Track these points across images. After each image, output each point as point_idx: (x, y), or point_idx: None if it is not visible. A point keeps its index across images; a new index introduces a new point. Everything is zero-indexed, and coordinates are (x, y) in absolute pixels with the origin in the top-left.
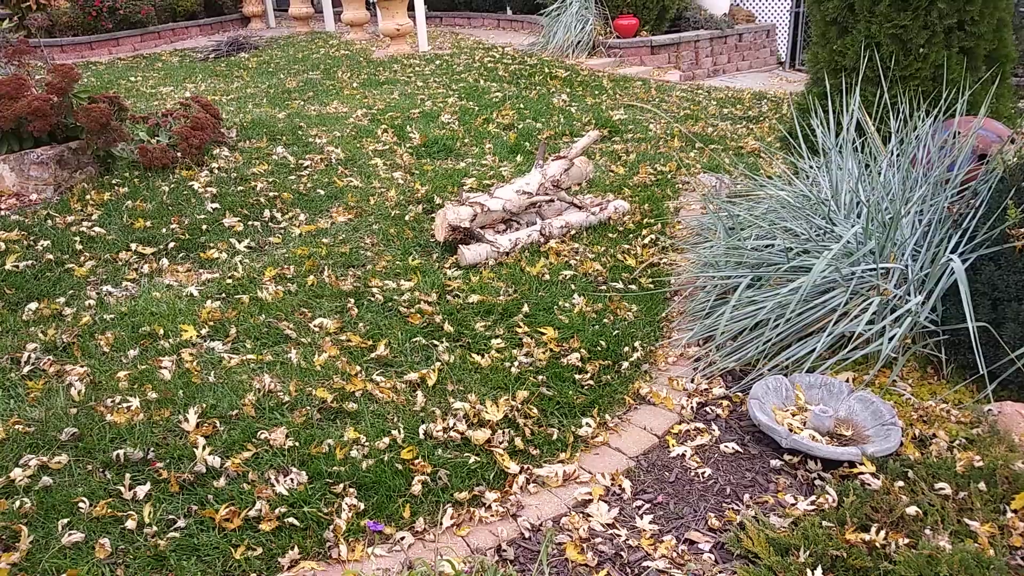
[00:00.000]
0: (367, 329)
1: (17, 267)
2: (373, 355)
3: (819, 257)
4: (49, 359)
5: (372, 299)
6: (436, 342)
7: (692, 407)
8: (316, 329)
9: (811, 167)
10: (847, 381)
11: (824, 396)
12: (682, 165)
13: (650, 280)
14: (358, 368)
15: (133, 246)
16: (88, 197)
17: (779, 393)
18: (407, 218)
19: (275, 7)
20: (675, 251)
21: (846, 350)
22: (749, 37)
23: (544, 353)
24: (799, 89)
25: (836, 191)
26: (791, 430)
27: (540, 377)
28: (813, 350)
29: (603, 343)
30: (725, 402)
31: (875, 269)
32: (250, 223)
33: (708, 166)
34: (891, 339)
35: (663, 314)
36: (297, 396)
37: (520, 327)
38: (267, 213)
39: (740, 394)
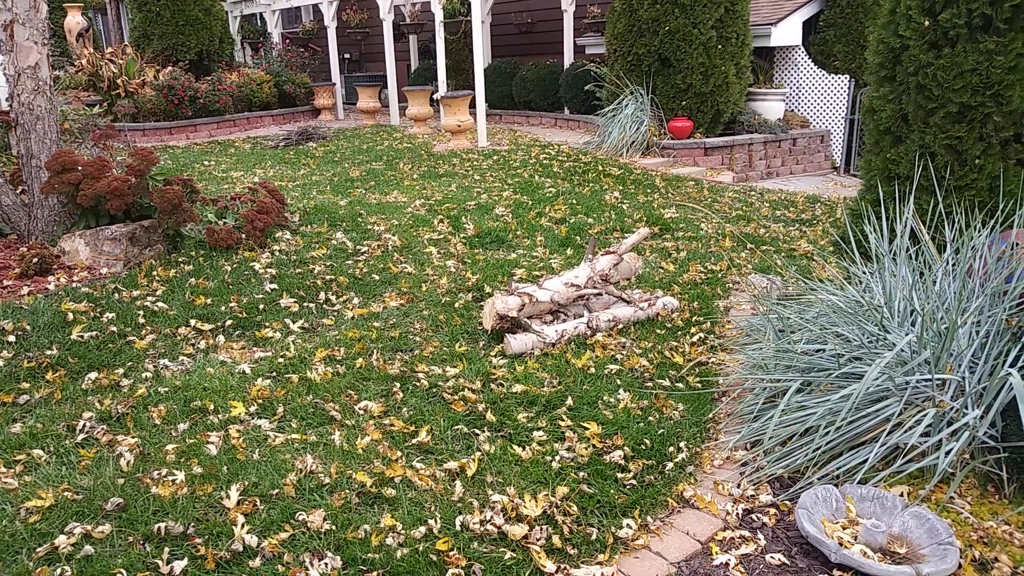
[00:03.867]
0: (410, 414)
1: (82, 337)
2: (415, 441)
3: (871, 364)
4: (103, 428)
5: (417, 384)
6: (478, 431)
7: (738, 513)
8: (361, 412)
9: (864, 273)
10: (901, 495)
11: (876, 510)
12: (733, 265)
13: (698, 379)
14: (399, 453)
15: (192, 322)
16: (155, 273)
17: (829, 504)
18: (457, 305)
19: (344, 100)
20: (724, 351)
21: (900, 462)
22: (803, 142)
23: (586, 449)
24: (853, 194)
25: (889, 298)
26: (841, 544)
27: (581, 473)
28: (865, 460)
29: (648, 441)
30: (772, 510)
31: (930, 380)
32: (305, 304)
33: (759, 267)
34: (948, 453)
35: (710, 415)
36: (337, 479)
37: (563, 420)
38: (322, 295)
39: (788, 502)
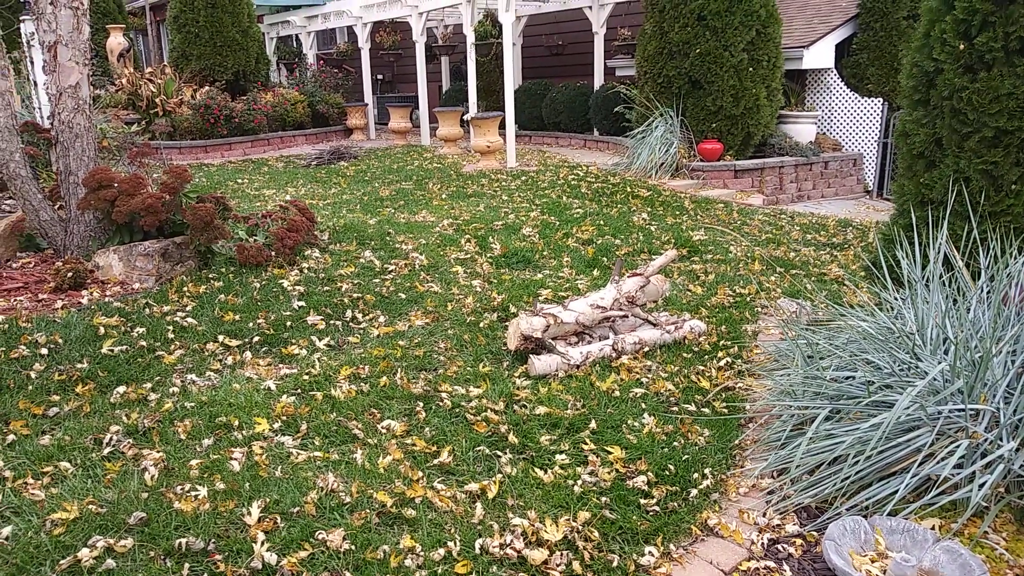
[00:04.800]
0: (432, 434)
1: (112, 351)
2: (436, 461)
3: (902, 393)
4: (129, 442)
5: (440, 404)
6: (500, 453)
7: (763, 543)
8: (383, 431)
9: (895, 299)
10: (932, 528)
11: (907, 543)
12: (762, 289)
13: (724, 404)
14: (420, 474)
15: (220, 338)
16: (185, 289)
17: (857, 536)
18: (481, 325)
19: (376, 120)
20: (751, 376)
21: (932, 494)
22: (835, 165)
23: (609, 473)
24: (885, 218)
25: (922, 325)
26: None
27: (604, 498)
28: (895, 492)
29: (672, 467)
30: (798, 540)
31: (963, 410)
32: (332, 322)
33: (789, 291)
34: (981, 486)
35: (736, 441)
36: (358, 498)
37: (586, 444)
38: (349, 313)
39: (815, 533)
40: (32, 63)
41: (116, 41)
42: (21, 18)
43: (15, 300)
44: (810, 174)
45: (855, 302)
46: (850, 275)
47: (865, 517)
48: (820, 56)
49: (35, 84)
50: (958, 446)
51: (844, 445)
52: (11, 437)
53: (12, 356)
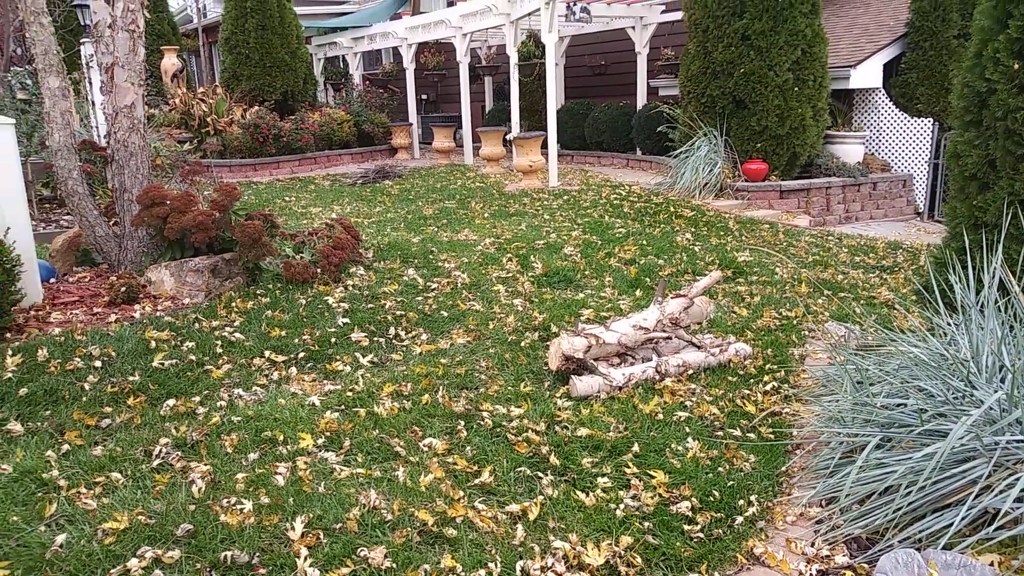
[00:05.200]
0: (474, 453)
1: (163, 365)
2: (477, 481)
3: (957, 422)
4: (178, 455)
5: (481, 423)
6: (541, 474)
7: (811, 574)
8: (425, 449)
9: (949, 324)
10: (991, 565)
11: None
12: (809, 312)
13: (770, 430)
14: (461, 493)
15: (267, 353)
16: (233, 304)
17: (911, 569)
18: (523, 344)
19: (420, 140)
20: (798, 401)
21: (990, 528)
22: (884, 186)
23: (652, 498)
24: (937, 241)
25: (976, 352)
26: None
27: (647, 523)
28: (950, 525)
29: (717, 493)
30: (848, 573)
31: (1022, 441)
32: (375, 339)
33: (836, 315)
34: None
35: (783, 468)
36: (400, 516)
37: (629, 467)
38: (392, 331)
39: (866, 565)
40: (91, 84)
41: (170, 62)
42: (82, 41)
43: (71, 313)
44: (858, 195)
45: (906, 327)
46: (900, 299)
47: (918, 550)
48: (868, 76)
49: (93, 104)
50: (1018, 479)
51: (896, 475)
52: (65, 447)
53: (68, 368)
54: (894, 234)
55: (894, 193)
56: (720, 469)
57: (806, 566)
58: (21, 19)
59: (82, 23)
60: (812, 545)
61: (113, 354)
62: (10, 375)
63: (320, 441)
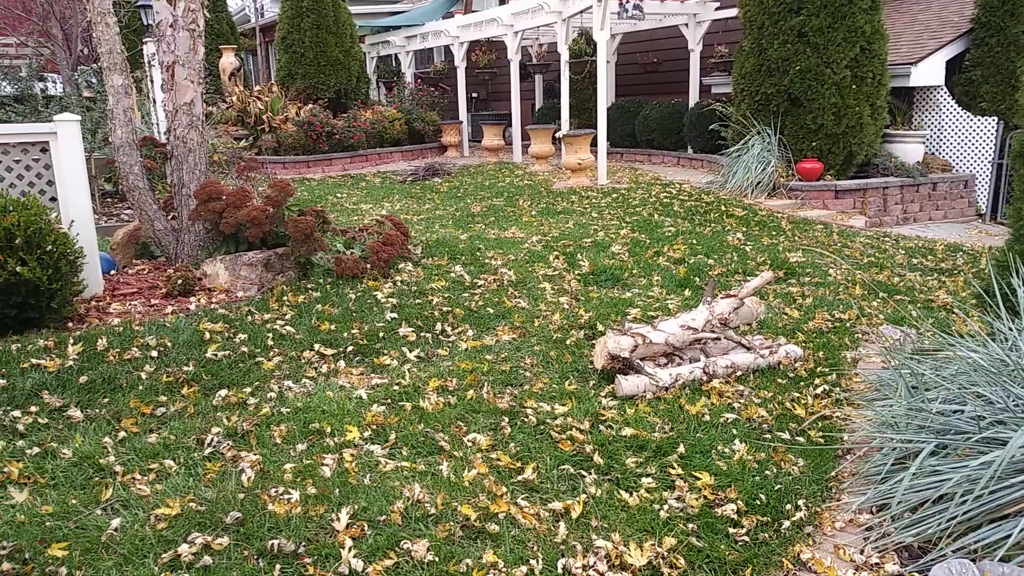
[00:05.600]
0: (517, 450)
1: (216, 356)
2: (520, 477)
3: (1017, 430)
4: (228, 444)
5: (525, 420)
6: (584, 472)
7: None
8: (469, 444)
9: (1010, 330)
10: None
11: None
12: (863, 314)
13: (820, 434)
14: (504, 489)
15: (316, 346)
16: (285, 298)
17: None
18: (568, 342)
19: (469, 137)
20: (850, 405)
21: None
22: (944, 187)
23: (697, 499)
24: (999, 243)
25: None
26: None
27: (691, 525)
28: (1008, 536)
29: (763, 497)
30: None
31: None
32: (422, 334)
33: (892, 318)
34: None
35: (832, 472)
36: (443, 510)
37: (673, 468)
38: (439, 326)
39: (917, 575)
40: (152, 82)
41: (228, 61)
42: (144, 40)
43: (130, 304)
44: (917, 195)
45: (965, 331)
46: (959, 303)
47: (973, 561)
48: (929, 73)
49: (153, 101)
50: None
51: (951, 483)
52: (122, 434)
53: (126, 357)
54: (954, 236)
55: (955, 194)
56: (767, 472)
57: (855, 573)
58: (88, 20)
59: (144, 23)
60: (861, 552)
61: (169, 344)
62: (71, 363)
63: (366, 434)
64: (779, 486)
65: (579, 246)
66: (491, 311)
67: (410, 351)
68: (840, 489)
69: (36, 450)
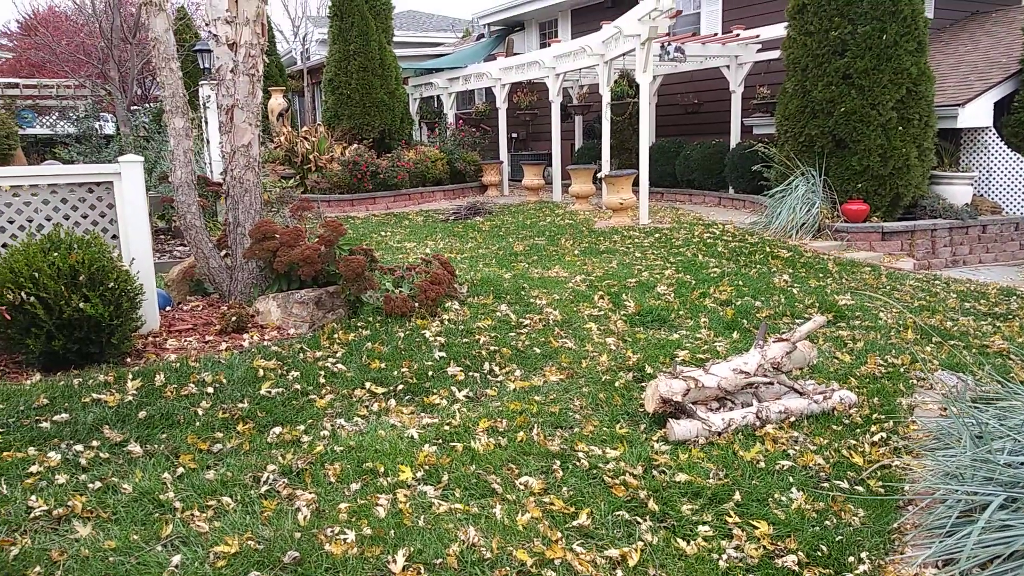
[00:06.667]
0: (570, 495)
1: (270, 393)
2: (575, 523)
3: None
4: (284, 482)
5: (577, 464)
6: (639, 519)
7: None
8: (521, 487)
9: None
10: None
11: None
12: (916, 359)
13: (880, 483)
14: (559, 534)
15: (367, 385)
16: (336, 336)
17: None
18: (617, 384)
19: (510, 177)
20: (909, 454)
21: None
22: (995, 229)
23: (756, 549)
24: None
25: None
26: None
27: None
28: None
29: (824, 548)
30: None
31: None
32: (470, 373)
33: (947, 363)
34: None
35: (894, 524)
36: (498, 554)
37: (730, 516)
38: (487, 366)
39: None
40: (206, 123)
41: (276, 102)
42: (200, 83)
43: (185, 340)
44: (966, 238)
45: None
46: (1016, 348)
47: None
48: (977, 114)
49: (206, 142)
50: None
51: (1023, 540)
52: (180, 470)
53: (183, 393)
54: (1007, 279)
55: (1005, 236)
56: (827, 522)
57: None
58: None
59: (201, 66)
60: None
61: (224, 381)
62: (131, 398)
63: (419, 474)
64: (840, 537)
65: (623, 286)
66: (538, 351)
67: (459, 390)
68: (903, 542)
69: (98, 484)
